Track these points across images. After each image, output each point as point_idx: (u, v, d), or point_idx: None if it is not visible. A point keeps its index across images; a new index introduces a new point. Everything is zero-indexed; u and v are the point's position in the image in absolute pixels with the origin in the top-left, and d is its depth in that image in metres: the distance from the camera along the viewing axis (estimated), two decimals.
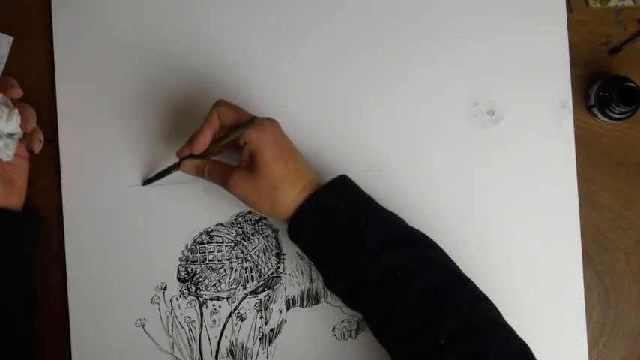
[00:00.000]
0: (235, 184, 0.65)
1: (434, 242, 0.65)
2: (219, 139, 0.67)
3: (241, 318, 0.73)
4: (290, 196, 0.65)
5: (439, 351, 0.58)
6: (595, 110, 0.72)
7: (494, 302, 0.63)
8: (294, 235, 0.66)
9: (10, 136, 0.66)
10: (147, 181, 0.73)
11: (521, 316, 0.72)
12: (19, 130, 0.66)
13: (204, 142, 0.66)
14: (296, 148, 0.67)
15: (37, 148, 0.67)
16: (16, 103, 0.66)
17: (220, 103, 0.67)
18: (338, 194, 0.65)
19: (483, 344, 0.58)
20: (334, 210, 0.64)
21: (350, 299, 0.65)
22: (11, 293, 0.68)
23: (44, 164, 0.73)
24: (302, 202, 0.64)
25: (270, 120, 0.66)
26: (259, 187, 0.64)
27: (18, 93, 0.65)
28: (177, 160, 0.70)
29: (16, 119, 0.65)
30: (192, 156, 0.68)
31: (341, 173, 0.67)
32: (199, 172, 0.69)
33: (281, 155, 0.65)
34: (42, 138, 0.68)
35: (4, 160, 0.66)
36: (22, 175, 0.70)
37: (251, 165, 0.65)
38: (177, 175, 0.73)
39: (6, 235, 0.68)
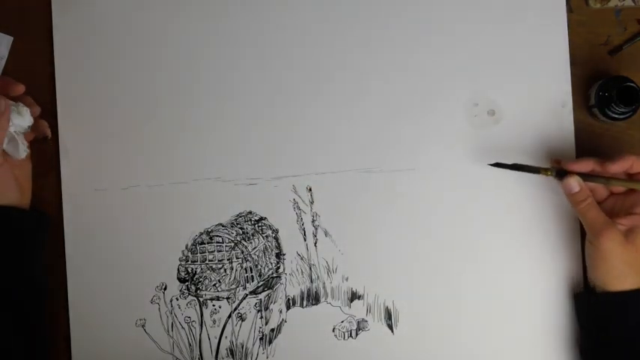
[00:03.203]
0: (608, 239, 0.65)
1: None
2: (619, 180, 0.67)
3: (241, 318, 0.73)
4: (634, 281, 0.66)
5: None
6: (595, 110, 0.72)
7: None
8: (596, 306, 0.68)
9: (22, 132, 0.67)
10: (499, 164, 0.71)
11: (521, 316, 0.72)
12: (32, 121, 0.67)
13: (618, 169, 0.66)
14: None
15: (49, 131, 0.69)
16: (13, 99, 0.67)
17: None
18: None
19: None
20: None
21: None
22: (27, 289, 0.68)
23: (44, 164, 0.73)
24: (635, 289, 0.66)
25: None
26: (625, 257, 0.65)
27: (20, 89, 0.66)
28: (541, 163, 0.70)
29: (27, 111, 0.66)
30: (580, 175, 0.67)
31: None
32: (577, 197, 0.67)
33: None
34: (46, 124, 0.70)
35: (22, 156, 0.67)
36: (27, 175, 0.71)
37: (631, 234, 0.65)
38: (176, 174, 0.73)
39: (21, 232, 0.68)
